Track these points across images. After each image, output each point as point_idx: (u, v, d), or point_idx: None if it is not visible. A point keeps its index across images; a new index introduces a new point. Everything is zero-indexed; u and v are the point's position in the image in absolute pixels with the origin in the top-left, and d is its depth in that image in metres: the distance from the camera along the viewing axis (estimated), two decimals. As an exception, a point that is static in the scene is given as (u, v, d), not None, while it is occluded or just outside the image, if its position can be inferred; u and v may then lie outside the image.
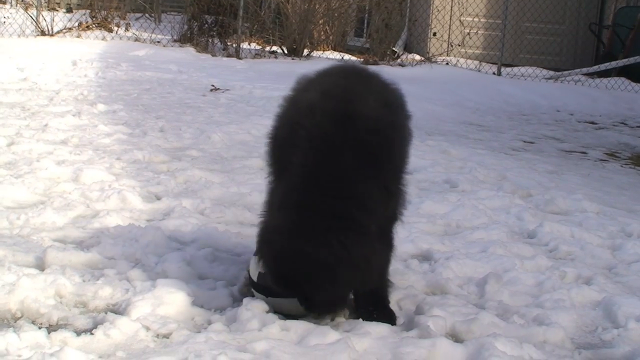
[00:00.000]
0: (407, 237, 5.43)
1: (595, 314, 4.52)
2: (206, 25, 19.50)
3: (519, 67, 19.03)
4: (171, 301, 4.07)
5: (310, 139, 3.79)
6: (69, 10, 22.76)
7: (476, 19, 20.89)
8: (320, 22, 20.29)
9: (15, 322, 3.86)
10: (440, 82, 16.05)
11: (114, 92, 11.83)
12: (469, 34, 20.83)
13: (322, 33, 20.46)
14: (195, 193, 6.44)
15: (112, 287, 4.27)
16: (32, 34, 17.80)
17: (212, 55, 18.17)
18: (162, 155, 7.68)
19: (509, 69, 18.89)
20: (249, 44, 19.37)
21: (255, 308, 3.98)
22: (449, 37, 20.98)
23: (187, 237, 5.28)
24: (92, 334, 3.71)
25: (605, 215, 6.85)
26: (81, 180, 6.47)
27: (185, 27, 19.44)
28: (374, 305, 4.10)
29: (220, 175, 7.07)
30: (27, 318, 3.91)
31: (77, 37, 18.25)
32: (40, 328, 3.73)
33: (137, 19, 21.84)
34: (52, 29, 18.03)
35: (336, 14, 20.60)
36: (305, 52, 19.39)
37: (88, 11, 19.98)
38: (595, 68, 19.16)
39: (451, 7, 20.97)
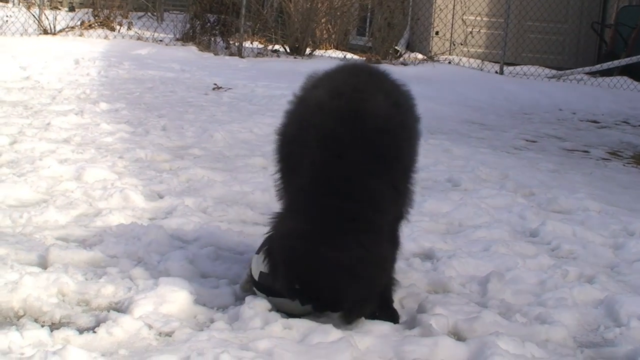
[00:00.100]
0: (409, 235, 5.42)
1: (597, 312, 4.51)
2: (208, 24, 19.49)
3: (522, 66, 19.01)
4: (174, 299, 4.07)
5: (320, 139, 3.78)
6: (72, 9, 22.79)
7: (478, 18, 20.89)
8: (323, 20, 20.28)
9: (17, 320, 3.87)
10: (442, 81, 16.04)
11: (117, 90, 11.84)
12: (471, 32, 20.84)
13: (325, 32, 20.45)
14: (198, 192, 6.44)
15: (115, 286, 4.27)
16: (35, 32, 17.80)
17: (215, 54, 18.17)
18: (164, 153, 7.69)
19: (511, 68, 18.88)
20: (251, 43, 19.36)
21: (257, 306, 3.98)
22: (451, 35, 20.99)
23: (190, 235, 5.29)
24: (94, 332, 3.71)
25: (608, 214, 6.85)
26: (84, 178, 6.47)
27: (188, 25, 19.43)
28: (378, 304, 4.10)
29: (222, 173, 7.07)
30: (29, 316, 3.91)
31: (80, 35, 18.24)
32: (42, 326, 3.74)
33: (139, 17, 21.84)
34: (54, 27, 18.03)
35: (338, 13, 20.59)
36: (308, 50, 19.38)
37: (90, 10, 19.97)
38: (598, 67, 19.16)
39: (453, 6, 20.97)
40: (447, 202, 6.68)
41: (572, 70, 19.08)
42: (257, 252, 4.14)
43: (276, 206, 4.17)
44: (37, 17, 18.08)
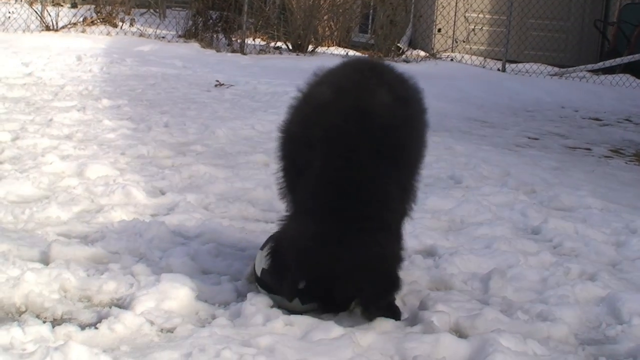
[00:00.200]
0: (411, 232, 5.42)
1: (599, 310, 4.51)
2: (211, 21, 19.49)
3: (524, 64, 19.00)
4: (175, 296, 4.07)
5: (325, 138, 3.78)
6: (74, 5, 22.76)
7: (481, 15, 20.88)
8: (325, 18, 20.28)
9: (19, 316, 3.87)
10: (444, 78, 16.04)
11: (119, 87, 11.84)
12: (473, 30, 20.83)
13: (327, 29, 20.45)
14: (200, 188, 6.44)
15: (117, 282, 4.27)
16: (37, 29, 17.80)
17: (217, 51, 18.16)
18: (166, 150, 7.69)
19: (513, 65, 18.87)
20: (253, 40, 19.36)
21: (259, 303, 3.98)
22: (453, 33, 20.97)
23: (192, 232, 5.29)
24: (96, 328, 3.71)
25: (610, 211, 6.85)
26: (86, 175, 6.47)
27: (190, 22, 19.44)
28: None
29: (224, 170, 7.07)
30: (31, 312, 3.91)
31: (82, 32, 18.25)
32: (44, 322, 3.74)
33: (141, 14, 21.83)
34: (56, 24, 18.04)
35: (341, 10, 20.59)
36: (310, 48, 19.39)
37: (93, 6, 19.96)
38: (600, 65, 19.15)
39: (456, 3, 20.96)
40: (449, 200, 6.68)
41: (575, 67, 19.08)
42: (262, 249, 4.14)
43: (278, 203, 4.18)
44: (39, 13, 18.08)
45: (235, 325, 3.85)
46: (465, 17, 20.92)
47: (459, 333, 4.04)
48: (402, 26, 20.44)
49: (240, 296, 4.20)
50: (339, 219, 3.68)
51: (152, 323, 3.81)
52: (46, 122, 8.44)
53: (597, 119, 14.19)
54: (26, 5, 18.58)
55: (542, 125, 12.73)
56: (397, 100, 3.93)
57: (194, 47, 18.06)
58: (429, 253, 5.33)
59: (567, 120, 13.76)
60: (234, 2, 19.40)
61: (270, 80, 13.81)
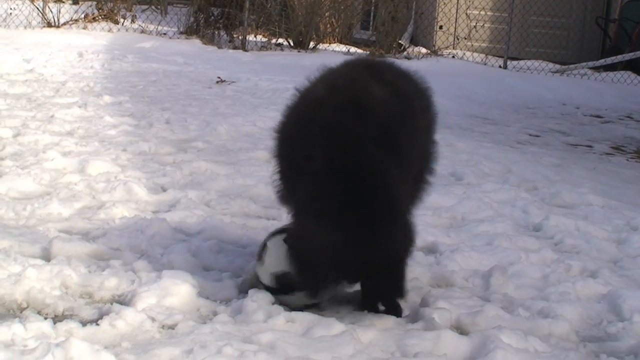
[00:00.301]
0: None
1: (600, 307, 4.52)
2: (212, 18, 19.46)
3: (525, 61, 18.98)
4: (177, 292, 4.07)
5: (325, 138, 3.78)
6: (75, 1, 22.73)
7: (482, 12, 20.87)
8: (327, 14, 20.25)
9: (21, 312, 3.87)
10: (446, 75, 16.02)
11: (120, 83, 11.83)
12: (475, 27, 20.81)
13: (329, 26, 20.42)
14: (201, 185, 6.44)
15: (118, 278, 4.27)
16: (39, 25, 17.79)
17: (218, 48, 18.15)
18: (167, 147, 7.69)
19: (515, 63, 18.85)
20: (255, 36, 19.33)
21: (260, 300, 3.99)
22: (455, 30, 20.96)
23: (193, 228, 5.29)
24: (97, 324, 3.72)
25: (611, 208, 6.85)
26: (87, 171, 6.47)
27: (192, 19, 19.40)
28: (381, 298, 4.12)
29: (226, 167, 7.07)
30: (32, 308, 3.92)
31: (84, 28, 18.23)
32: (45, 318, 3.74)
33: (143, 10, 21.82)
34: (58, 20, 18.02)
35: (342, 7, 20.57)
36: (312, 44, 19.36)
37: (94, 3, 19.94)
38: (602, 62, 19.13)
39: (457, 0, 20.95)
40: (451, 196, 6.68)
41: (576, 65, 19.05)
42: (258, 259, 4.14)
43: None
44: (40, 9, 18.07)
45: (236, 321, 3.85)
46: (466, 14, 20.91)
47: (460, 330, 4.04)
48: (403, 23, 20.41)
49: (242, 293, 4.21)
50: (351, 214, 3.69)
51: (153, 319, 3.81)
52: (47, 119, 8.44)
53: (598, 116, 14.18)
54: (28, 2, 18.55)
55: (543, 122, 12.72)
56: (389, 93, 3.94)
57: (195, 43, 18.05)
58: (430, 250, 5.33)
59: (569, 117, 13.75)
60: (235, -2, 19.40)
61: (272, 77, 13.82)
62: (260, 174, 6.74)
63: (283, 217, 4.65)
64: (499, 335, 3.77)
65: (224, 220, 5.52)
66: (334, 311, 4.06)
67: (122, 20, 19.48)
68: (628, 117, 14.46)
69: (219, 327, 3.72)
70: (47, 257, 4.54)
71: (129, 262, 4.55)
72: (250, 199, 6.12)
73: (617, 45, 19.89)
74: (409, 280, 4.53)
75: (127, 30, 18.59)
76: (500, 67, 18.69)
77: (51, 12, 18.05)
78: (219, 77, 13.26)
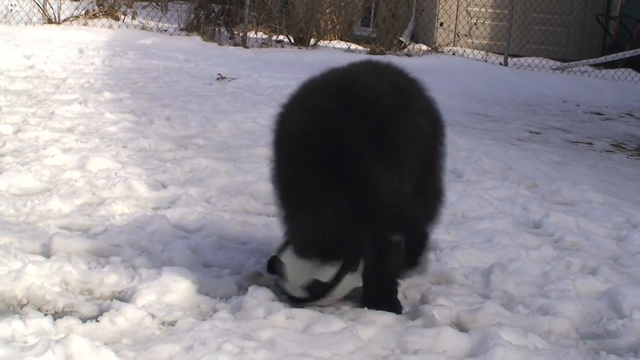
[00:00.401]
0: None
1: (600, 304, 4.52)
2: (213, 14, 19.45)
3: (526, 58, 18.98)
4: (176, 289, 4.08)
5: (309, 118, 3.84)
6: (76, -2, 22.76)
7: (483, 9, 20.86)
8: (327, 11, 20.25)
9: (21, 309, 3.88)
10: (446, 72, 16.03)
11: (121, 80, 11.83)
12: (475, 24, 20.79)
13: (329, 22, 20.41)
14: (201, 181, 6.44)
15: (118, 275, 4.28)
16: (39, 21, 17.79)
17: (219, 44, 18.14)
18: (168, 143, 7.69)
19: (515, 60, 18.85)
20: (255, 33, 19.34)
21: (260, 296, 3.99)
22: (455, 27, 20.94)
23: (193, 225, 5.29)
24: (97, 321, 3.72)
25: (611, 206, 6.85)
26: (87, 168, 6.48)
27: (192, 15, 19.39)
28: (380, 295, 4.12)
29: (226, 163, 7.07)
30: (32, 305, 3.92)
31: (84, 25, 18.23)
32: (46, 315, 3.75)
33: (143, 7, 21.80)
34: (59, 17, 18.02)
35: (343, 4, 20.56)
36: (312, 41, 19.35)
37: (95, -1, 19.98)
38: (602, 59, 19.12)
39: (458, -3, 20.95)
40: (451, 193, 6.65)
41: (577, 62, 19.04)
42: (281, 278, 4.13)
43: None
44: (41, 6, 18.07)
45: (236, 318, 3.86)
46: (467, 11, 20.88)
47: (460, 327, 4.04)
48: (404, 20, 20.40)
49: (242, 289, 4.21)
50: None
51: (153, 316, 3.81)
52: (48, 115, 8.44)
53: (598, 114, 14.17)
54: (28, -2, 18.58)
55: (543, 119, 12.73)
56: (393, 89, 4.00)
57: (195, 40, 18.05)
58: (430, 247, 5.32)
59: (569, 114, 13.75)
60: (236, -5, 19.39)
61: (272, 74, 13.81)
62: (261, 171, 6.74)
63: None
64: (499, 332, 3.77)
65: (224, 217, 5.52)
66: (333, 308, 4.06)
67: (122, 16, 19.47)
68: (628, 114, 14.45)
69: (218, 324, 3.73)
70: (47, 253, 4.54)
71: (129, 258, 4.55)
72: (250, 196, 6.12)
73: (618, 42, 19.88)
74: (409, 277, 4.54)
75: (127, 27, 18.59)
76: (500, 64, 18.68)
77: (52, 8, 18.05)
78: (219, 74, 13.26)
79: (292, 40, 19.36)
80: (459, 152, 8.60)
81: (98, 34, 17.15)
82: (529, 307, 4.35)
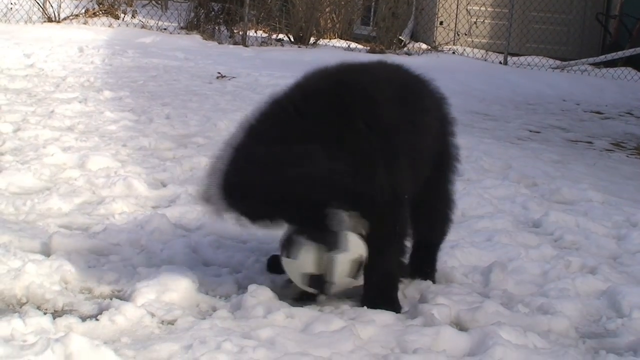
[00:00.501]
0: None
1: (599, 303, 4.52)
2: (213, 13, 19.46)
3: (526, 57, 18.96)
4: (176, 288, 4.08)
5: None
6: (76, -4, 22.75)
7: (483, 8, 20.84)
8: (327, 10, 20.24)
9: (20, 307, 3.88)
10: (446, 71, 15.99)
11: (120, 79, 11.83)
12: (475, 23, 20.79)
13: (329, 21, 20.41)
14: (201, 180, 6.43)
15: (117, 273, 4.28)
16: (39, 20, 17.78)
17: (219, 43, 18.14)
18: (168, 142, 7.68)
19: (515, 59, 18.84)
20: (255, 32, 19.33)
21: (260, 295, 3.99)
22: (455, 26, 20.94)
23: (192, 224, 5.29)
24: (97, 319, 3.72)
25: (611, 205, 6.85)
26: (87, 166, 6.47)
27: (192, 14, 19.40)
28: (380, 294, 4.12)
29: (226, 162, 7.05)
30: (32, 304, 3.92)
31: (84, 23, 18.23)
32: (45, 314, 3.74)
33: (143, 6, 21.79)
34: (58, 15, 18.02)
35: (343, 2, 20.55)
36: (312, 40, 19.35)
37: (95, -2, 19.97)
38: (602, 58, 19.10)
39: (458, -4, 20.95)
40: (450, 192, 6.67)
41: (576, 61, 19.04)
42: (288, 255, 4.10)
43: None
44: (41, 4, 18.06)
45: (235, 317, 3.86)
46: (467, 9, 20.88)
47: (460, 326, 4.05)
48: (404, 19, 20.40)
49: (241, 288, 4.21)
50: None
51: (152, 315, 3.81)
52: (48, 114, 8.44)
53: (598, 112, 14.17)
54: (28, -4, 18.57)
55: (543, 118, 12.72)
56: (397, 84, 4.12)
57: (195, 39, 18.04)
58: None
59: (569, 113, 13.75)
60: (236, -7, 19.39)
61: (272, 73, 13.81)
62: (260, 170, 6.73)
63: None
64: (499, 331, 3.77)
65: (224, 216, 5.51)
66: (333, 307, 4.06)
67: (122, 15, 19.48)
68: (628, 113, 14.45)
69: (218, 323, 3.73)
70: (46, 252, 4.54)
71: (128, 257, 4.55)
72: (250, 195, 6.11)
73: (618, 41, 19.87)
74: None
75: (127, 26, 18.59)
76: (500, 63, 18.68)
77: (52, 7, 18.05)
78: (219, 73, 13.26)
79: (292, 39, 19.36)
80: (459, 151, 8.59)
81: (98, 32, 17.15)
82: (528, 306, 4.35)
